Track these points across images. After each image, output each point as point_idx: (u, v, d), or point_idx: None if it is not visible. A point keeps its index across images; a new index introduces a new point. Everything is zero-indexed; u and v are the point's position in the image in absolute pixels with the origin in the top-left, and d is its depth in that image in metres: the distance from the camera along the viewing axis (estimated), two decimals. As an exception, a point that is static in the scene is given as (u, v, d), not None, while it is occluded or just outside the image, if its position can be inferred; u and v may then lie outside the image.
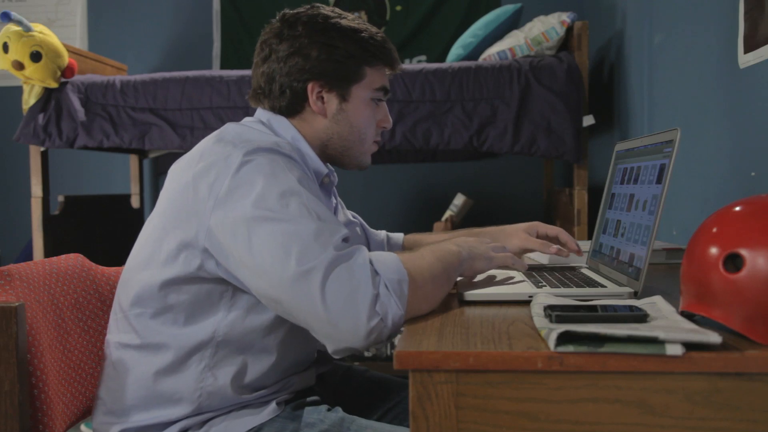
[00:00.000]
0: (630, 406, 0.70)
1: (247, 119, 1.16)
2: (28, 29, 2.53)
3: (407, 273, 0.92)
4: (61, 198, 2.92)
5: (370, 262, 0.91)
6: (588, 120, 2.45)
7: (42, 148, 2.68)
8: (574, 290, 1.00)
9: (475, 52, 2.78)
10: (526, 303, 0.95)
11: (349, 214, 1.43)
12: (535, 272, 1.18)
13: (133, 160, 3.28)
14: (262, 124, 1.13)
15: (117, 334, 1.06)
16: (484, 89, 2.47)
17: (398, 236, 1.52)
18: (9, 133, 2.89)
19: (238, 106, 2.52)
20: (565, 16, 2.54)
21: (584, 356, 0.70)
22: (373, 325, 0.87)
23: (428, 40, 3.56)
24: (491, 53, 2.65)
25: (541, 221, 1.35)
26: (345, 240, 0.95)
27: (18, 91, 2.74)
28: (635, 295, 0.98)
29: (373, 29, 1.17)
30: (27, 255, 2.99)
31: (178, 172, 1.04)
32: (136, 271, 1.05)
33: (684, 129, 1.16)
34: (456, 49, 2.85)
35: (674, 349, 0.69)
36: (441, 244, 1.05)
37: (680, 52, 1.90)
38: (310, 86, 1.11)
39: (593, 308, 0.82)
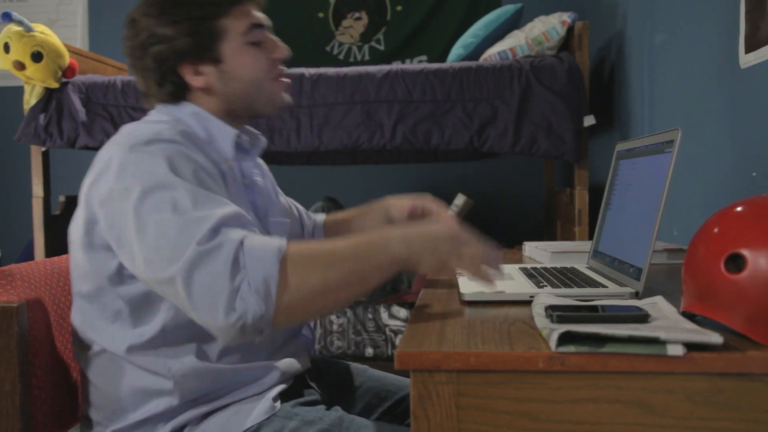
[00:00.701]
0: (631, 406, 0.70)
1: (149, 113, 1.14)
2: (29, 29, 2.53)
3: (279, 270, 0.88)
4: (62, 198, 2.92)
5: (240, 255, 0.87)
6: (588, 120, 2.46)
7: (43, 148, 2.68)
8: (575, 290, 1.00)
9: (475, 52, 2.78)
10: (527, 303, 0.95)
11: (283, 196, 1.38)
12: (536, 272, 1.18)
13: (134, 160, 3.27)
14: (158, 113, 1.11)
15: (78, 342, 1.07)
16: (485, 89, 2.47)
17: (320, 219, 1.44)
18: (10, 133, 2.89)
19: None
20: (566, 16, 2.54)
21: (585, 356, 0.70)
22: (231, 322, 0.86)
23: (429, 40, 3.56)
24: (492, 53, 2.65)
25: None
26: (230, 217, 0.92)
27: (19, 91, 2.74)
28: (636, 296, 0.98)
29: None
30: (28, 255, 2.99)
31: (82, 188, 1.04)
32: (75, 284, 1.05)
33: (685, 129, 1.16)
34: (457, 49, 2.85)
35: (675, 350, 0.69)
36: (376, 235, 0.96)
37: (681, 52, 1.89)
38: (181, 69, 1.08)
39: (594, 308, 0.82)
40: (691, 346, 0.69)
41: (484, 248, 0.96)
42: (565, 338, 0.71)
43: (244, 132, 1.16)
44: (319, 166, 3.40)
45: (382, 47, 3.61)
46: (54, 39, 2.59)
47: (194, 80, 1.08)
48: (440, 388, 0.72)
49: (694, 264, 0.79)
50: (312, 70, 2.55)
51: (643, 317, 0.78)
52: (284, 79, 1.16)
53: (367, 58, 3.61)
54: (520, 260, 1.55)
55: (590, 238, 2.48)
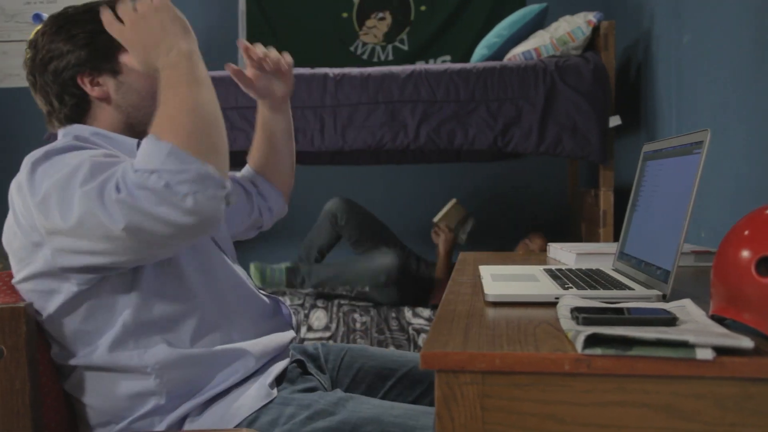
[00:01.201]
0: (658, 411, 0.69)
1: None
2: (58, 30, 2.57)
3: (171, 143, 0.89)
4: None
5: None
6: (614, 120, 2.43)
7: (71, 147, 2.72)
8: (601, 292, 0.99)
9: (499, 52, 2.77)
10: (551, 305, 0.94)
11: None
12: (560, 274, 1.18)
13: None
14: (58, 139, 1.11)
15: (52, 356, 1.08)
16: (509, 89, 2.45)
17: (248, 172, 1.49)
18: (39, 132, 2.94)
19: None
20: (592, 16, 2.52)
21: (612, 359, 0.69)
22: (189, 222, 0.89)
23: (452, 40, 3.55)
24: (516, 53, 2.63)
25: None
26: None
27: (48, 91, 2.78)
28: (664, 298, 0.96)
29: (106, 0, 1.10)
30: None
31: (6, 225, 1.04)
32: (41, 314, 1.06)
33: (713, 130, 1.14)
34: (480, 49, 2.84)
35: (704, 354, 0.68)
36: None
37: (709, 51, 1.87)
38: (79, 80, 1.08)
39: (620, 311, 0.81)
40: (720, 350, 0.68)
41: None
42: (592, 340, 0.71)
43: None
44: (343, 166, 3.40)
45: (405, 47, 3.61)
46: (82, 39, 2.63)
47: (93, 90, 1.09)
48: (465, 389, 0.72)
49: (723, 267, 0.78)
50: (336, 70, 2.56)
51: (670, 320, 0.77)
52: None
53: (390, 58, 3.61)
54: (544, 261, 1.53)
55: (615, 239, 2.46)
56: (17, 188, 0.98)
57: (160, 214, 0.87)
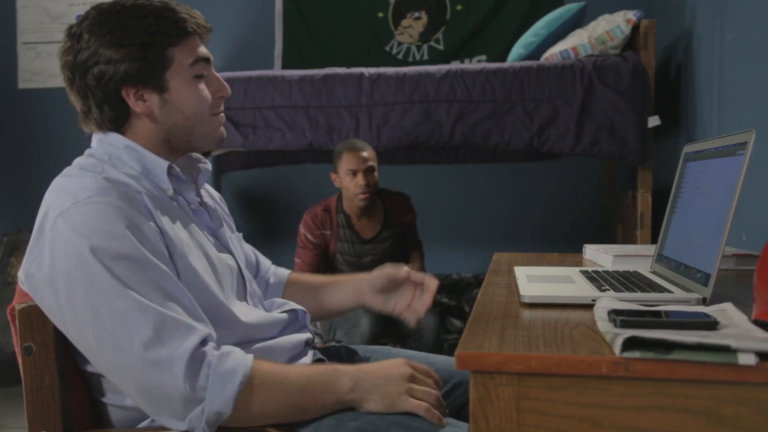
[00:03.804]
0: (699, 416, 0.68)
1: (86, 153, 1.12)
2: (100, 31, 2.63)
3: (234, 408, 0.93)
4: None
5: (201, 375, 0.93)
6: (653, 121, 2.39)
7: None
8: (639, 295, 0.98)
9: (536, 52, 2.75)
10: (588, 307, 0.93)
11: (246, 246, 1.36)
12: (597, 276, 1.16)
13: (197, 157, 3.36)
14: (90, 157, 1.08)
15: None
16: (546, 89, 2.43)
17: (283, 274, 1.42)
18: (82, 131, 3.00)
19: (299, 105, 2.56)
20: (631, 14, 2.49)
21: (651, 363, 0.68)
22: (179, 426, 0.94)
23: (489, 40, 3.54)
24: (553, 53, 2.61)
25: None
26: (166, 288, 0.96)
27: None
28: (704, 302, 0.95)
29: (158, 5, 1.07)
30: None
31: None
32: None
33: (756, 130, 1.12)
34: (517, 49, 2.82)
35: (747, 359, 0.66)
36: (328, 369, 1.02)
37: (753, 50, 1.83)
38: (124, 92, 1.05)
39: (659, 314, 0.80)
40: (764, 356, 0.67)
41: (434, 388, 1.03)
42: (630, 343, 0.70)
43: (182, 161, 1.15)
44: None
45: (441, 47, 3.60)
46: (123, 40, 2.68)
47: (136, 105, 1.06)
48: (501, 390, 0.72)
49: (767, 270, 0.76)
50: (371, 70, 2.56)
51: (711, 324, 0.76)
52: (221, 115, 1.16)
53: (426, 57, 3.61)
54: (580, 263, 1.52)
55: (653, 242, 2.42)
56: (41, 223, 0.99)
57: (160, 410, 0.94)
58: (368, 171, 2.52)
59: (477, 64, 2.69)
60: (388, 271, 1.30)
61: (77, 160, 1.10)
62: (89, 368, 1.05)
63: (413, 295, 1.29)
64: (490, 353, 0.71)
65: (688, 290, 1.00)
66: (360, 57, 3.43)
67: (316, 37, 3.64)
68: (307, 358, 1.17)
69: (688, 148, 1.24)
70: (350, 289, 1.34)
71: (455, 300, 3.14)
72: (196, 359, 0.93)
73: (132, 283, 0.93)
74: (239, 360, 0.96)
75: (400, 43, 3.64)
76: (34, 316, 0.98)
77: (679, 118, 2.64)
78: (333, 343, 1.88)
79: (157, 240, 0.99)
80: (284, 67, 3.59)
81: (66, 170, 1.07)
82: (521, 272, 1.23)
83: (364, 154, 2.50)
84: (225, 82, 1.15)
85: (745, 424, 0.67)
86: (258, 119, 2.56)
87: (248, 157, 3.30)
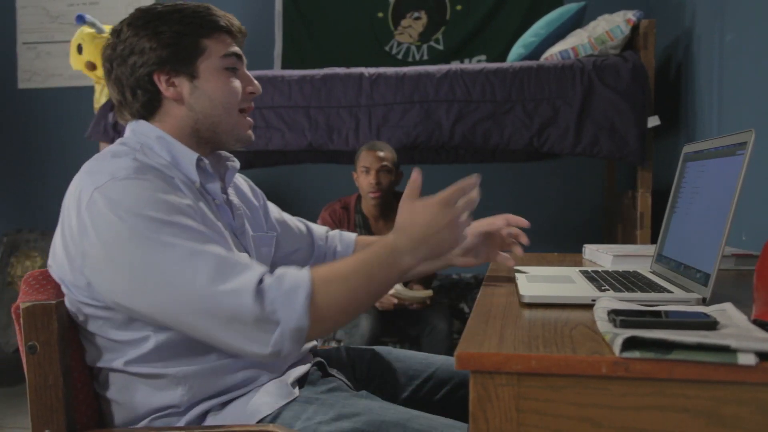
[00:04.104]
0: (699, 416, 0.68)
1: (116, 141, 1.14)
2: (100, 31, 2.63)
3: (310, 318, 0.94)
4: (128, 194, 3.02)
5: (266, 301, 0.93)
6: (653, 121, 2.39)
7: (111, 146, 2.77)
8: (639, 295, 0.98)
9: (536, 52, 2.75)
10: (588, 307, 0.93)
11: (287, 217, 1.39)
12: (597, 276, 1.16)
13: (197, 157, 3.36)
14: (122, 144, 1.11)
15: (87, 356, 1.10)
16: (546, 89, 2.43)
17: (350, 238, 1.46)
18: (81, 131, 3.01)
19: (298, 105, 2.56)
20: (631, 14, 2.49)
21: (651, 363, 0.68)
22: (265, 356, 0.95)
23: (489, 40, 3.54)
24: (553, 53, 2.61)
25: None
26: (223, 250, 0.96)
27: (90, 90, 2.85)
28: (704, 302, 0.95)
29: (196, 4, 1.13)
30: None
31: (58, 225, 1.05)
32: (74, 316, 1.07)
33: (756, 130, 1.12)
34: (517, 49, 2.82)
35: (747, 359, 0.66)
36: (386, 252, 1.01)
37: (753, 51, 1.83)
38: (156, 77, 1.09)
39: (659, 314, 0.80)
40: (763, 356, 0.67)
41: (465, 218, 1.04)
42: (630, 343, 0.70)
43: (210, 158, 1.17)
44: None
45: (441, 47, 3.60)
46: (123, 40, 2.68)
47: (167, 90, 1.10)
48: (500, 390, 0.72)
49: (767, 270, 0.76)
50: (371, 70, 2.56)
51: (711, 324, 0.76)
52: (249, 118, 1.18)
53: (425, 57, 3.61)
54: (580, 263, 1.52)
55: (653, 242, 2.42)
56: (75, 205, 0.99)
57: (245, 341, 0.94)
58: (382, 170, 2.53)
59: (477, 64, 2.69)
60: (477, 229, 1.31)
61: (108, 148, 1.12)
62: (100, 364, 1.05)
63: (500, 241, 1.32)
64: (489, 353, 0.71)
65: (687, 290, 1.00)
66: (360, 57, 3.43)
67: (316, 37, 3.64)
68: (305, 367, 1.16)
69: (687, 148, 1.24)
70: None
71: (455, 300, 3.14)
72: (260, 290, 0.94)
73: (185, 234, 0.96)
74: (296, 276, 0.96)
75: (399, 43, 3.64)
76: (38, 315, 0.98)
77: (679, 118, 2.64)
78: (333, 344, 1.89)
79: (196, 214, 1.01)
80: (284, 67, 3.60)
81: (96, 156, 1.09)
82: (521, 272, 1.23)
83: (381, 154, 2.51)
84: (255, 81, 1.18)
85: (744, 424, 0.67)
86: (258, 119, 2.56)
87: (248, 157, 3.29)
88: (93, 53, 2.59)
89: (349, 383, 1.20)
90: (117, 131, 2.67)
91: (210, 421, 1.04)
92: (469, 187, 1.04)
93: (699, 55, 2.39)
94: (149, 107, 1.12)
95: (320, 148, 2.61)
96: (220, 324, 0.93)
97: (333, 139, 2.56)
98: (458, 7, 3.57)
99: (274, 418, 1.03)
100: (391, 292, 2.46)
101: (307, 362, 1.17)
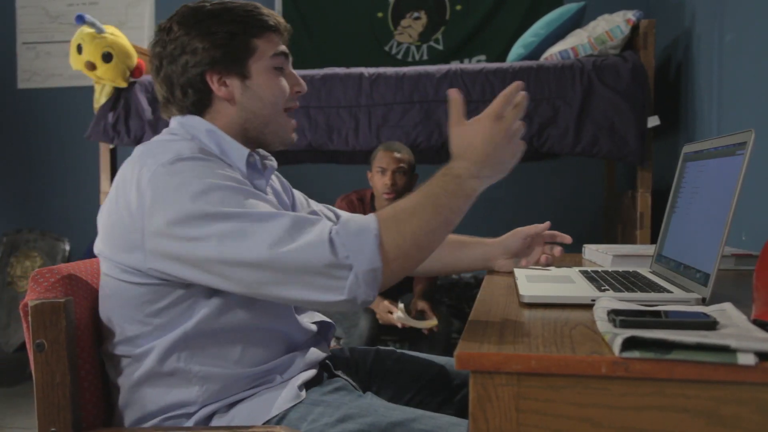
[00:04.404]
0: (698, 416, 0.68)
1: (163, 131, 1.15)
2: (100, 31, 2.63)
3: (382, 258, 0.92)
4: (128, 194, 3.02)
5: (338, 246, 0.92)
6: (653, 121, 2.39)
7: (111, 146, 2.78)
8: (639, 295, 0.98)
9: (536, 52, 2.75)
10: (588, 307, 0.93)
11: (314, 204, 1.40)
12: (597, 276, 1.16)
13: (197, 157, 3.36)
14: (171, 134, 1.12)
15: (104, 355, 1.10)
16: (546, 89, 2.43)
17: None
18: (81, 131, 3.00)
19: (299, 105, 2.55)
20: (631, 15, 2.49)
21: (650, 362, 0.68)
22: (340, 302, 0.93)
23: (488, 40, 3.54)
24: (553, 53, 2.61)
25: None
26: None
27: (90, 90, 2.85)
28: (703, 302, 0.95)
29: (244, 2, 1.14)
30: (95, 248, 3.10)
31: (105, 207, 1.06)
32: (104, 300, 1.08)
33: (756, 130, 1.12)
34: (517, 49, 2.82)
35: (746, 359, 0.66)
36: (448, 180, 0.99)
37: (752, 50, 1.83)
38: (208, 77, 1.10)
39: (659, 314, 0.80)
40: (763, 356, 0.67)
41: (518, 125, 1.00)
42: (630, 343, 0.70)
43: (255, 153, 1.18)
44: (376, 166, 3.41)
45: (440, 47, 3.60)
46: (123, 40, 2.68)
47: (219, 90, 1.11)
48: (500, 390, 0.71)
49: (767, 270, 0.76)
50: (371, 70, 2.56)
51: (711, 324, 0.76)
52: (293, 120, 1.20)
53: (425, 57, 3.61)
54: (579, 263, 1.52)
55: (653, 242, 2.42)
56: (135, 182, 0.99)
57: (321, 291, 0.93)
58: (397, 172, 2.53)
59: (476, 64, 2.69)
60: (523, 233, 1.34)
61: (158, 137, 1.13)
62: (121, 351, 1.05)
63: (542, 248, 1.35)
64: (489, 353, 0.71)
65: (687, 290, 1.00)
66: (359, 57, 3.43)
67: (316, 37, 3.64)
68: (313, 371, 1.15)
69: (687, 148, 1.24)
70: (480, 252, 1.38)
71: (455, 300, 3.13)
72: (331, 238, 0.93)
73: (255, 200, 0.97)
74: (362, 219, 0.96)
75: (399, 43, 3.64)
76: (47, 314, 0.98)
77: (679, 118, 2.64)
78: (333, 343, 1.89)
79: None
80: (284, 67, 3.59)
81: (147, 143, 1.09)
82: (521, 272, 1.23)
83: (398, 155, 2.52)
84: (301, 80, 1.19)
85: (744, 424, 0.67)
86: (257, 119, 2.56)
87: (248, 157, 3.30)
88: (93, 53, 2.59)
89: (352, 382, 1.20)
90: (116, 131, 2.67)
91: (216, 422, 1.05)
92: (514, 93, 0.99)
93: (699, 55, 2.39)
94: (199, 105, 1.13)
95: (320, 148, 2.61)
96: (297, 277, 0.92)
97: (333, 139, 2.56)
98: (458, 7, 3.57)
99: (280, 419, 1.03)
100: (395, 316, 2.44)
101: (315, 368, 1.17)
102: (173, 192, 0.95)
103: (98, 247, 1.07)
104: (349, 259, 0.92)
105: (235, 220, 0.94)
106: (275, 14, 1.16)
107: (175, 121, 1.14)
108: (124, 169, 1.04)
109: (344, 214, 1.37)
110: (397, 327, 2.53)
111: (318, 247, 0.92)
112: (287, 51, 1.17)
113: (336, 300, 0.93)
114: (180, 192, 0.95)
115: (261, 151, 1.22)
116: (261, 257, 0.92)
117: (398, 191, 2.55)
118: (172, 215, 0.95)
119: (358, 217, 0.97)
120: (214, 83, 1.11)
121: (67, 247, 3.65)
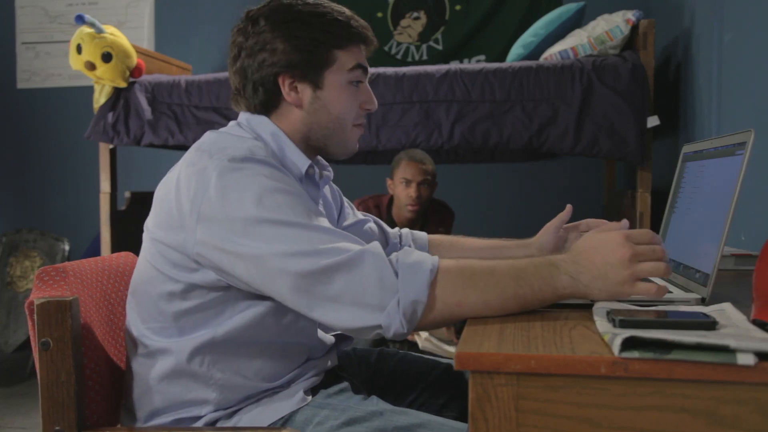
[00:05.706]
0: (698, 416, 0.68)
1: (230, 124, 1.15)
2: (100, 31, 2.63)
3: (428, 294, 0.90)
4: (127, 194, 3.02)
5: (390, 271, 0.91)
6: (652, 121, 2.39)
7: (111, 146, 2.78)
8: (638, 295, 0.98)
9: (536, 52, 2.75)
10: (587, 307, 0.93)
11: (359, 213, 1.40)
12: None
13: (196, 157, 3.36)
14: (239, 128, 1.12)
15: (129, 341, 1.10)
16: (545, 89, 2.43)
17: (422, 237, 1.45)
18: (80, 131, 3.00)
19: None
20: (631, 14, 2.48)
21: (650, 363, 0.68)
22: (370, 329, 0.91)
23: (488, 40, 3.54)
24: (553, 53, 2.61)
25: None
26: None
27: (89, 90, 2.84)
28: (703, 302, 0.95)
29: (338, 9, 1.12)
30: (95, 248, 3.10)
31: (164, 185, 1.05)
32: (138, 284, 1.08)
33: (756, 130, 1.12)
34: (516, 49, 2.82)
35: (746, 359, 0.66)
36: (543, 264, 0.92)
37: (752, 50, 1.83)
38: (280, 79, 1.09)
39: (658, 314, 0.80)
40: (763, 356, 0.67)
41: (662, 262, 0.89)
42: (629, 343, 0.70)
43: (316, 163, 1.18)
44: (377, 166, 3.41)
45: (440, 47, 3.60)
46: (123, 40, 2.68)
47: (288, 95, 1.10)
48: (499, 390, 0.72)
49: (766, 270, 0.76)
50: (370, 70, 2.56)
51: (710, 324, 0.76)
52: (361, 129, 1.18)
53: (425, 57, 3.61)
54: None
55: (652, 241, 2.42)
56: (199, 170, 0.98)
57: (364, 306, 0.91)
58: (423, 184, 2.55)
59: (476, 64, 2.69)
60: (552, 227, 1.35)
61: (227, 128, 1.12)
62: (149, 342, 1.05)
63: (578, 238, 1.31)
64: (489, 353, 0.71)
65: (687, 290, 1.00)
66: (359, 57, 3.43)
67: (315, 37, 3.63)
68: (319, 378, 1.14)
69: (687, 148, 1.24)
70: (521, 254, 1.37)
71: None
72: (384, 256, 0.92)
73: (312, 213, 0.96)
74: (424, 255, 0.94)
75: (399, 43, 3.64)
76: (53, 311, 0.98)
77: (678, 118, 2.64)
78: None
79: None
80: (283, 67, 3.59)
81: (219, 131, 1.09)
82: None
83: (424, 167, 2.52)
84: (374, 97, 1.17)
85: (744, 424, 0.67)
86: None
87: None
88: (92, 53, 2.58)
89: (356, 383, 1.20)
90: (116, 131, 2.67)
91: (221, 423, 1.05)
92: (658, 244, 0.92)
93: (698, 55, 2.39)
94: (267, 105, 1.12)
95: (320, 148, 2.60)
96: (338, 292, 0.91)
97: (332, 139, 2.56)
98: (457, 7, 3.57)
99: (285, 422, 1.03)
100: (429, 345, 2.43)
101: (322, 375, 1.15)
102: (238, 191, 0.95)
103: (149, 223, 1.06)
104: (396, 285, 0.90)
105: (294, 228, 0.93)
106: (366, 26, 1.15)
107: (244, 117, 1.14)
108: (191, 154, 1.03)
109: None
110: None
111: (368, 260, 0.91)
112: (367, 65, 1.15)
113: (370, 325, 0.91)
114: (245, 192, 0.94)
115: (320, 159, 1.21)
116: (308, 269, 0.91)
117: (422, 204, 2.55)
118: (233, 212, 0.94)
119: (419, 252, 0.95)
120: (284, 86, 1.09)
121: (67, 247, 3.65)
